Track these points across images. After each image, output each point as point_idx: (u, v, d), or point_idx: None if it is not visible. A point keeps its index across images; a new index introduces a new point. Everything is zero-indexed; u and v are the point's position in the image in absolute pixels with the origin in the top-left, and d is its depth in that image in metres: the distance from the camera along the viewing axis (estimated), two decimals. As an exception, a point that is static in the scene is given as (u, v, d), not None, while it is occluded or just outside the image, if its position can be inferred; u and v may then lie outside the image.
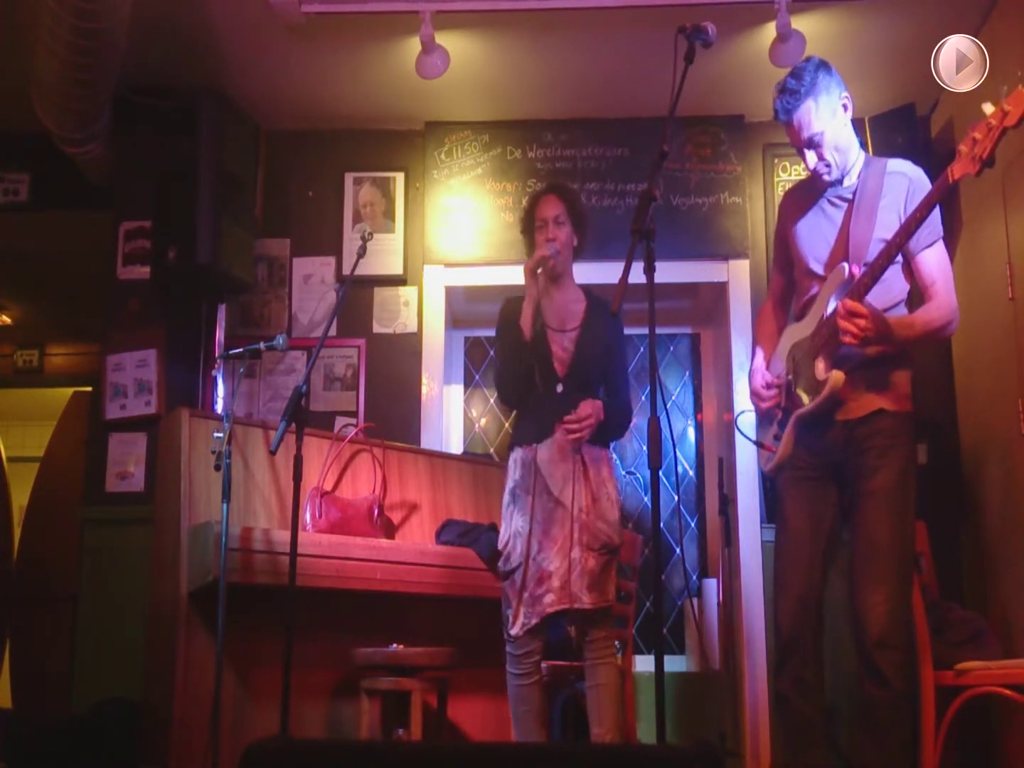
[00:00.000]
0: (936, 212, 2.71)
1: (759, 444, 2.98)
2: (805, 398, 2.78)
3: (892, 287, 2.76)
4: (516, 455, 3.19)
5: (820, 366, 2.72)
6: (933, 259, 2.74)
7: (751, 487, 4.48)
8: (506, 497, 3.19)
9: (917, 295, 2.82)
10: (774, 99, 2.79)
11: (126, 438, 4.31)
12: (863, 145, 2.92)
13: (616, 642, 3.17)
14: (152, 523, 3.60)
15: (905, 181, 2.73)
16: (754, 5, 3.94)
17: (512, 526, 3.12)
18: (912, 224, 2.57)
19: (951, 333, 2.79)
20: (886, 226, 2.69)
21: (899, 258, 2.72)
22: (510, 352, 3.21)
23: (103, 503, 4.28)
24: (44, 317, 6.50)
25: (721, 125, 4.75)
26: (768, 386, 2.91)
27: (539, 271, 3.14)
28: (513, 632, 3.06)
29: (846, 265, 2.70)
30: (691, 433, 5.25)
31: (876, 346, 2.68)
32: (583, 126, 4.79)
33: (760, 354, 3.04)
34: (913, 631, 2.66)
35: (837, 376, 2.67)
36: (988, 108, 2.43)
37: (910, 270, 2.78)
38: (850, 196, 2.80)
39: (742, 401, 4.36)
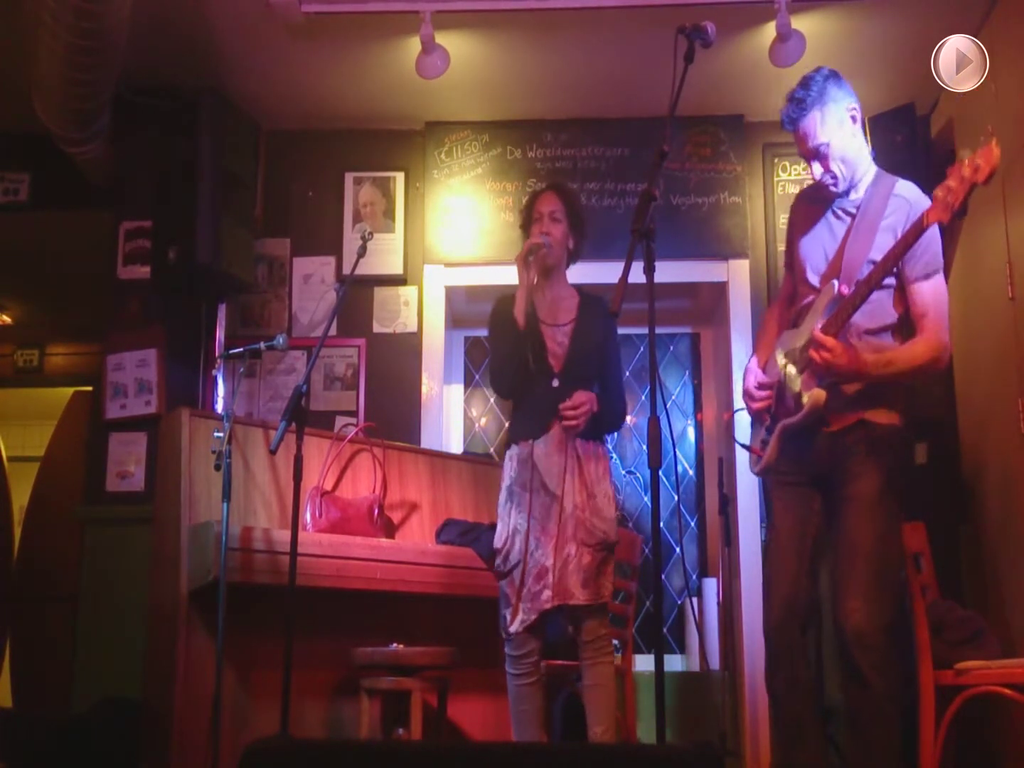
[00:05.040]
0: (937, 243, 2.69)
1: (747, 448, 2.99)
2: (791, 408, 2.79)
3: (883, 310, 2.74)
4: (513, 452, 3.17)
5: (804, 382, 2.73)
6: (928, 291, 2.70)
7: (751, 487, 4.48)
8: (503, 494, 3.17)
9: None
10: (781, 108, 2.79)
11: (126, 438, 4.32)
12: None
13: (616, 641, 3.17)
14: (152, 523, 3.60)
15: (906, 206, 2.71)
16: (754, 5, 3.95)
17: (510, 523, 3.10)
18: (890, 261, 2.58)
19: (939, 370, 2.75)
20: (880, 248, 2.67)
21: (892, 282, 2.71)
22: (505, 343, 3.19)
23: (103, 503, 4.29)
24: (44, 317, 6.49)
25: (721, 125, 4.75)
26: (760, 387, 2.91)
27: (530, 259, 3.14)
28: (512, 629, 3.05)
29: (836, 283, 2.70)
30: (691, 433, 5.25)
31: (847, 381, 2.68)
32: (583, 126, 4.79)
33: (756, 358, 3.04)
34: (896, 633, 2.66)
35: (818, 394, 2.67)
36: (965, 153, 2.45)
37: (903, 296, 2.75)
38: (854, 210, 2.79)
39: (741, 401, 4.36)
